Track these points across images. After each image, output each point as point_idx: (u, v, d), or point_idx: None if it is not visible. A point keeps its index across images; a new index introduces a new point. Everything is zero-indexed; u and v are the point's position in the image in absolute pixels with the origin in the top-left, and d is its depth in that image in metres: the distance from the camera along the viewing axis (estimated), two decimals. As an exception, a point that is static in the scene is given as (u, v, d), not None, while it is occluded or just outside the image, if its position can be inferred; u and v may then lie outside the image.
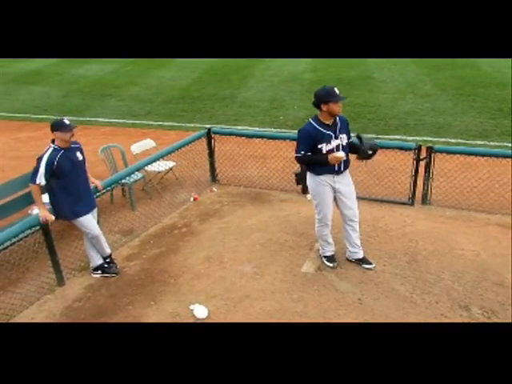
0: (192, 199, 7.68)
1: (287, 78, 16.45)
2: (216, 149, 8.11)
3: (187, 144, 7.62)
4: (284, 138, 7.96)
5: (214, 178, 8.28)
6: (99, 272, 5.78)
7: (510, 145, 9.46)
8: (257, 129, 10.99)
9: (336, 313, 4.88)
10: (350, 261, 5.65)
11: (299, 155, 5.19)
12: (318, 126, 5.08)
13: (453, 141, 9.84)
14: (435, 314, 4.83)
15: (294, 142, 6.83)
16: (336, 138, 5.10)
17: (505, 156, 6.96)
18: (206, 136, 7.94)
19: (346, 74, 16.15)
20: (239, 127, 11.20)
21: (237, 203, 7.49)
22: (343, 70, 16.61)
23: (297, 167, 7.46)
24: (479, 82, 14.48)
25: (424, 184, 6.99)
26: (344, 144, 5.15)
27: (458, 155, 7.07)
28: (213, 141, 7.99)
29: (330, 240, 5.62)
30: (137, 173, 7.19)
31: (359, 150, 5.25)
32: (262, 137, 8.29)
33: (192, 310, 4.99)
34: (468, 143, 9.55)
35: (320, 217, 5.44)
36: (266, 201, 7.53)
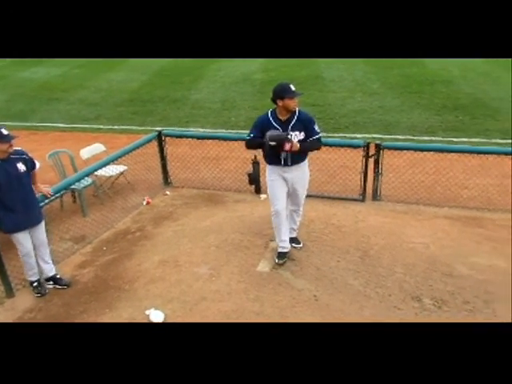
0: (145, 203, 7.60)
1: (239, 78, 16.49)
2: (168, 151, 8.06)
3: (138, 147, 7.53)
4: (236, 139, 7.97)
5: (166, 180, 8.22)
6: (51, 282, 5.63)
7: (455, 140, 9.79)
8: (209, 130, 10.99)
9: (292, 310, 4.93)
10: None
11: (247, 138, 5.38)
12: (270, 118, 5.27)
13: (401, 137, 10.10)
14: (388, 307, 4.95)
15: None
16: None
17: (450, 151, 7.22)
18: (157, 139, 7.86)
19: (297, 74, 16.29)
20: (191, 129, 11.15)
21: (191, 205, 7.46)
22: (294, 70, 16.75)
23: (249, 167, 7.50)
24: (425, 80, 14.91)
25: (374, 180, 7.15)
26: (294, 140, 5.21)
27: (405, 151, 7.26)
28: (164, 143, 7.92)
29: (282, 235, 5.64)
30: (87, 178, 7.06)
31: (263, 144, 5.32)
32: (213, 138, 8.30)
33: (148, 316, 4.94)
34: (415, 139, 9.83)
35: (271, 207, 5.57)
36: (219, 202, 7.53)
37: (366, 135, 10.00)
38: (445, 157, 7.16)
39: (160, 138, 7.88)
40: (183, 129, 11.02)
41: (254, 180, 7.53)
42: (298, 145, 5.16)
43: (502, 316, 4.72)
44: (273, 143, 5.13)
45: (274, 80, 15.42)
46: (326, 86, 14.81)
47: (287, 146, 5.09)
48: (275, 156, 5.30)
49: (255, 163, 7.39)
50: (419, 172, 7.40)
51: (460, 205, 7.00)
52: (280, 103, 5.14)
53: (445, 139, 9.91)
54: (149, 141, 7.80)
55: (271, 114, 5.29)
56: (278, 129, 5.20)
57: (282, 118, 5.22)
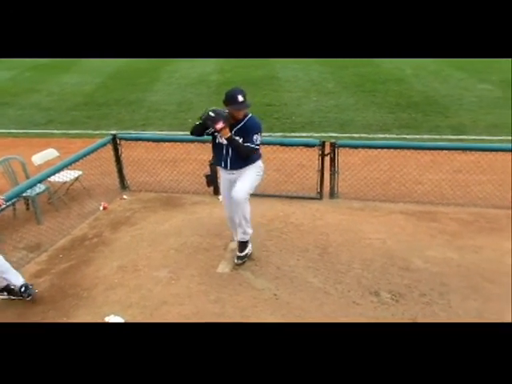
0: (102, 208, 7.48)
1: (194, 80, 16.44)
2: (124, 155, 7.95)
3: (92, 152, 7.39)
4: (192, 141, 7.93)
5: (123, 185, 8.11)
6: (4, 293, 5.46)
7: (408, 137, 10.02)
8: (166, 132, 10.90)
9: (253, 310, 4.94)
10: None
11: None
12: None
13: (356, 135, 10.28)
14: (348, 302, 5.02)
15: (203, 145, 6.89)
16: None
17: (403, 147, 7.38)
18: (112, 142, 7.75)
19: (253, 75, 16.38)
20: (148, 132, 11.05)
21: (149, 209, 7.39)
22: (250, 71, 16.83)
23: (207, 169, 7.48)
24: (379, 79, 15.24)
25: (330, 178, 7.25)
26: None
27: (360, 149, 7.39)
28: (119, 147, 7.82)
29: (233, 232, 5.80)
30: (40, 185, 6.89)
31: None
32: (170, 140, 8.23)
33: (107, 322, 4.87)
34: (370, 137, 10.02)
35: None
36: (178, 205, 7.49)
37: (323, 134, 10.12)
38: (398, 154, 7.31)
39: (115, 141, 7.77)
40: (139, 132, 10.91)
41: (212, 181, 7.52)
42: (230, 135, 5.16)
43: (457, 307, 4.88)
44: (212, 114, 5.14)
45: (229, 81, 15.51)
46: (281, 86, 14.93)
47: (220, 124, 5.09)
48: (217, 157, 5.41)
49: (212, 165, 7.37)
50: (374, 169, 7.54)
51: (414, 200, 7.17)
52: (228, 109, 5.20)
53: (398, 136, 10.14)
54: (103, 145, 7.68)
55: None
56: None
57: (232, 120, 5.25)
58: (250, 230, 5.60)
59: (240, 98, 5.10)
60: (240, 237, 5.64)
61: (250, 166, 5.36)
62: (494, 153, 7.08)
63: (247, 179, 5.32)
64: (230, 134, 5.15)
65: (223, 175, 5.57)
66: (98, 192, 7.95)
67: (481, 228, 6.41)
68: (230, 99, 5.14)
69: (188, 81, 16.33)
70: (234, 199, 5.32)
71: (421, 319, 4.73)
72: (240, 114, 5.20)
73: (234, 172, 5.38)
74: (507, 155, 7.04)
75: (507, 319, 4.66)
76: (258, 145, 5.27)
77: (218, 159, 5.46)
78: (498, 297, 5.01)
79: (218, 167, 5.58)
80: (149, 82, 16.51)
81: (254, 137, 5.21)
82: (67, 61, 19.78)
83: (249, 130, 5.24)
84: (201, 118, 5.24)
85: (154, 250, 6.13)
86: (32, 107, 14.22)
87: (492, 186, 7.20)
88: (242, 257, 5.67)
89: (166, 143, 8.18)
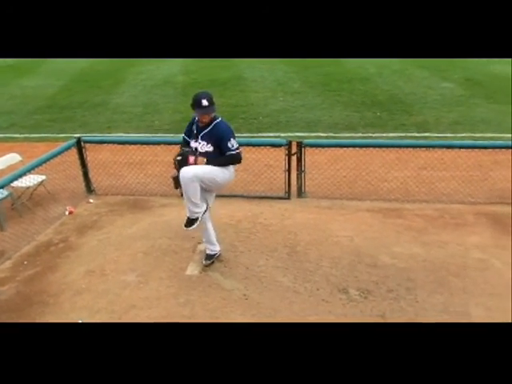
0: (67, 213, 7.35)
1: (160, 81, 16.31)
2: (89, 158, 7.83)
3: (56, 155, 7.25)
4: (159, 143, 7.90)
5: (89, 188, 7.98)
6: None
7: (373, 135, 10.16)
8: (132, 135, 10.77)
9: (223, 311, 4.93)
10: None
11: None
12: (196, 120, 5.34)
13: (323, 134, 10.35)
14: (317, 300, 5.06)
15: (170, 146, 6.85)
16: (196, 140, 5.29)
17: (369, 146, 7.48)
18: (76, 145, 7.62)
19: (219, 76, 16.34)
20: (113, 134, 10.90)
21: (116, 212, 7.29)
22: (216, 72, 16.79)
23: (174, 171, 7.41)
24: (344, 78, 15.40)
25: (298, 178, 7.29)
26: (201, 150, 5.23)
27: (327, 148, 7.45)
28: (84, 150, 7.69)
29: None
30: (2, 190, 6.74)
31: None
32: (136, 143, 8.15)
33: (75, 328, 4.79)
34: (337, 136, 10.09)
35: None
36: (145, 207, 7.41)
37: (290, 134, 10.15)
38: (364, 152, 7.41)
39: (79, 144, 7.64)
40: (105, 134, 10.75)
41: (180, 183, 7.44)
42: (205, 159, 5.15)
43: (423, 301, 4.97)
44: (179, 158, 5.26)
45: (196, 82, 15.48)
46: (248, 87, 14.94)
47: (191, 160, 5.16)
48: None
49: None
50: (341, 168, 7.61)
51: (381, 197, 7.27)
52: (194, 113, 5.24)
53: (364, 135, 10.27)
54: (67, 148, 7.53)
55: (196, 120, 5.34)
56: (194, 134, 5.30)
57: (200, 124, 5.25)
58: (196, 209, 5.42)
59: (204, 102, 5.07)
60: (186, 212, 5.54)
61: None
62: (456, 150, 7.21)
63: (205, 166, 5.22)
64: (204, 160, 5.15)
65: None
66: (63, 196, 7.80)
67: (445, 223, 6.53)
68: (195, 103, 5.14)
69: (154, 82, 16.19)
70: (180, 176, 5.24)
71: (389, 315, 4.79)
72: (206, 118, 5.18)
73: None
74: (470, 152, 7.21)
75: (471, 312, 4.78)
76: (237, 148, 5.20)
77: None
78: (463, 290, 5.13)
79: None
80: (113, 83, 16.30)
81: (229, 144, 5.14)
82: (28, 63, 19.41)
83: (220, 137, 5.17)
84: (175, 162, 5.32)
85: (122, 253, 6.05)
86: (-8, 111, 13.87)
87: (456, 182, 7.35)
88: (209, 256, 5.67)
89: (133, 146, 8.09)
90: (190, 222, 5.53)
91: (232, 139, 5.18)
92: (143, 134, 10.69)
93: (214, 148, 5.18)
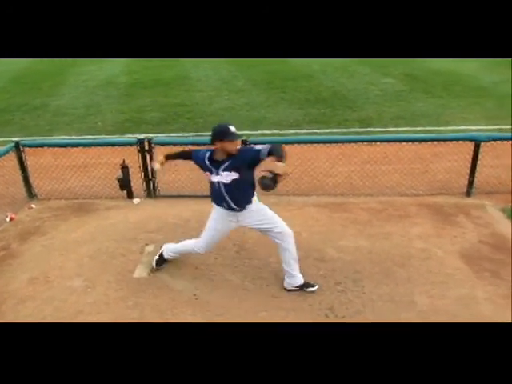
0: (8, 219, 7.09)
1: (102, 82, 16.01)
2: (30, 162, 7.58)
3: (-8, 161, 6.99)
4: (102, 145, 7.75)
5: (30, 193, 7.73)
6: None
7: (318, 131, 10.31)
8: (74, 137, 10.52)
9: (173, 312, 4.89)
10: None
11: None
12: (206, 160, 4.83)
13: (268, 132, 10.43)
14: (267, 297, 5.09)
15: (114, 148, 6.71)
16: (217, 174, 4.80)
17: (313, 142, 7.58)
18: (15, 150, 7.36)
19: (163, 75, 16.20)
20: (55, 137, 10.61)
21: (59, 217, 7.10)
22: (159, 71, 16.63)
23: (119, 173, 7.30)
24: (288, 76, 15.57)
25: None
26: (226, 181, 4.78)
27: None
28: (24, 154, 7.44)
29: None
30: None
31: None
32: (79, 145, 7.96)
33: (19, 338, 4.64)
34: (282, 133, 10.18)
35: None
36: (91, 211, 7.25)
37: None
38: (309, 148, 7.50)
39: (18, 148, 7.38)
40: (45, 137, 10.44)
41: (125, 185, 7.35)
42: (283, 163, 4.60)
43: (370, 292, 5.08)
44: (267, 179, 4.51)
45: (139, 82, 15.30)
46: (193, 86, 14.87)
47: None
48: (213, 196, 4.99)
49: (124, 168, 7.21)
50: (287, 164, 7.64)
51: (326, 192, 7.38)
52: (218, 145, 4.65)
53: (309, 131, 10.41)
54: (5, 153, 7.26)
55: (209, 156, 4.81)
56: (210, 169, 4.81)
57: (219, 158, 4.75)
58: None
59: (233, 129, 4.65)
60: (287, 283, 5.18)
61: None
62: (398, 143, 7.41)
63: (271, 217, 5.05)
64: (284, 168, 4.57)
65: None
66: (2, 203, 7.51)
67: (389, 216, 6.70)
68: (222, 134, 4.62)
69: (96, 83, 15.86)
70: (283, 235, 4.98)
71: (337, 307, 4.88)
72: (236, 147, 4.68)
73: (239, 212, 4.98)
74: (410, 145, 7.43)
75: (416, 301, 4.93)
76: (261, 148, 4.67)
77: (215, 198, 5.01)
78: (408, 280, 5.28)
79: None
80: (53, 85, 15.88)
81: (256, 147, 4.71)
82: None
83: (249, 154, 4.72)
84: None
85: (67, 258, 5.90)
86: None
87: (398, 175, 7.57)
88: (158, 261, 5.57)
89: (75, 148, 7.90)
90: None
91: (255, 147, 4.76)
92: (86, 136, 10.46)
93: (241, 172, 4.72)
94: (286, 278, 5.16)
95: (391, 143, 7.51)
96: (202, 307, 4.95)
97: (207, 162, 4.82)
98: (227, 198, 4.84)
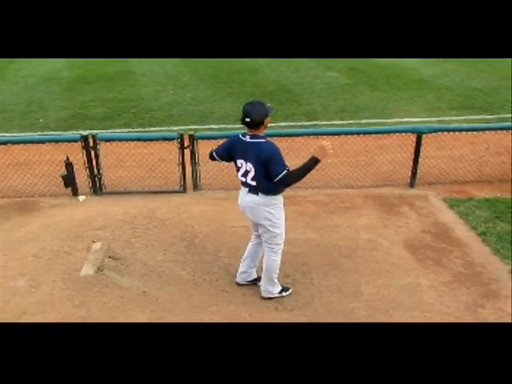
0: None
1: (43, 77, 15.51)
2: (-34, 161, 7.30)
3: None
4: (44, 141, 7.53)
5: (-31, 193, 7.44)
6: None
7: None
8: (15, 134, 10.16)
9: (121, 309, 4.83)
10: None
11: (286, 171, 4.55)
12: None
13: (215, 127, 10.39)
14: (217, 291, 5.11)
15: (57, 144, 6.53)
16: None
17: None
18: (-49, 148, 7.07)
19: (106, 70, 15.87)
20: (-6, 134, 10.22)
21: (1, 216, 6.84)
22: (103, 66, 16.25)
23: (63, 170, 7.11)
24: (233, 70, 15.55)
25: (192, 171, 7.28)
26: None
27: (219, 140, 7.47)
28: (-39, 152, 7.15)
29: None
30: None
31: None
32: (19, 142, 7.71)
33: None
34: (229, 127, 10.16)
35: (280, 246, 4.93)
36: (34, 209, 7.03)
37: (183, 127, 10.09)
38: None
39: (-46, 147, 7.09)
40: (-16, 135, 10.04)
41: (70, 182, 7.17)
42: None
43: (319, 284, 5.18)
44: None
45: (81, 77, 14.94)
46: (137, 81, 14.66)
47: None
48: None
49: (68, 164, 7.03)
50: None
51: (275, 186, 7.42)
52: (266, 121, 4.74)
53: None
54: None
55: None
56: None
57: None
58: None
59: None
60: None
61: None
62: (343, 136, 7.54)
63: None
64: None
65: None
66: None
67: (336, 208, 6.84)
68: (268, 108, 4.78)
69: (36, 79, 15.35)
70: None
71: (286, 299, 4.94)
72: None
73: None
74: (356, 138, 7.59)
75: (363, 291, 5.06)
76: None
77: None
78: (355, 270, 5.41)
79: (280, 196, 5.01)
80: (-9, 81, 15.28)
81: (280, 167, 4.73)
82: None
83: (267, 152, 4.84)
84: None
85: (10, 258, 5.72)
86: None
87: (344, 168, 7.72)
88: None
89: (16, 145, 7.65)
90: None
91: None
92: (27, 133, 10.12)
93: None
94: (267, 286, 4.93)
95: (336, 136, 7.63)
96: (151, 304, 4.92)
97: None
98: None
